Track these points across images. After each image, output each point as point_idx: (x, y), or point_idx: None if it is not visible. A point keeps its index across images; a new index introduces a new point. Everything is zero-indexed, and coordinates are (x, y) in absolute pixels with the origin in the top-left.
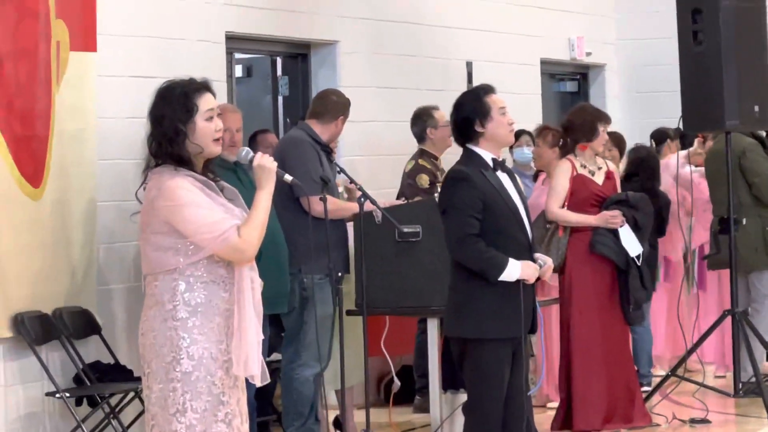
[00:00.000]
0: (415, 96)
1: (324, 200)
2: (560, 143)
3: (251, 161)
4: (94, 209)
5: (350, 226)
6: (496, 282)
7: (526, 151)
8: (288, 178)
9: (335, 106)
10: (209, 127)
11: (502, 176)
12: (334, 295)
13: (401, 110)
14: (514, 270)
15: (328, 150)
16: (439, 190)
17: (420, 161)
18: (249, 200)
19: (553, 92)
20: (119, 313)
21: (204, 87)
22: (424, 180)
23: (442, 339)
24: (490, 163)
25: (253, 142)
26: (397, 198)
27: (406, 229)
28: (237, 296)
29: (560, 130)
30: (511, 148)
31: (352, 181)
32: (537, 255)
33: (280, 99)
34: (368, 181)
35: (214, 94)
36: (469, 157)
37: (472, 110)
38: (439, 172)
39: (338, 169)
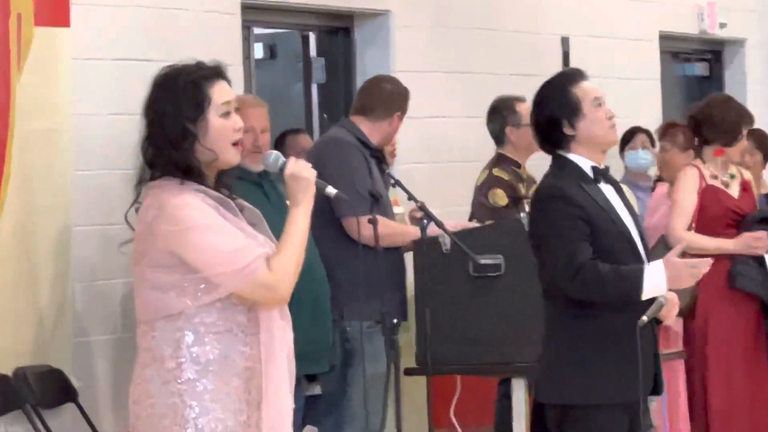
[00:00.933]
0: (494, 83)
1: (374, 222)
2: (695, 144)
3: (282, 169)
4: (67, 236)
5: (409, 258)
6: (618, 317)
7: (642, 155)
8: (331, 191)
9: (389, 99)
10: (226, 126)
11: (607, 189)
12: (387, 348)
13: (475, 102)
14: (656, 275)
15: (378, 156)
16: (525, 208)
17: (495, 171)
18: (279, 223)
19: (677, 77)
20: (102, 374)
21: (217, 73)
22: (499, 196)
23: (532, 405)
24: (590, 173)
25: (280, 145)
26: (470, 219)
27: (483, 261)
28: (266, 347)
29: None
30: (622, 151)
31: (410, 197)
32: None
33: (315, 88)
34: (432, 197)
35: (229, 83)
36: (562, 167)
37: (556, 107)
38: (522, 185)
39: (392, 180)
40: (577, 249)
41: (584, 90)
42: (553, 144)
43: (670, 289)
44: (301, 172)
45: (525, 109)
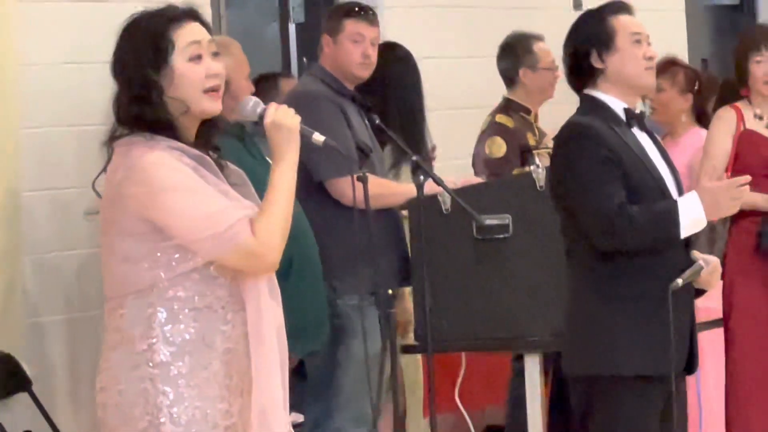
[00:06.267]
0: (497, 18)
1: (363, 180)
2: (696, 87)
3: (262, 117)
4: (15, 203)
5: (405, 220)
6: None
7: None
8: (319, 138)
9: (327, 19)
10: (195, 71)
11: (641, 136)
12: (382, 323)
13: (477, 40)
14: (692, 206)
15: (363, 101)
16: (536, 160)
17: (498, 118)
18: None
19: (704, 7)
20: (58, 359)
21: (186, 15)
22: (497, 145)
23: (550, 383)
24: (622, 116)
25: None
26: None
27: (488, 221)
28: (253, 325)
29: (692, 67)
30: None
31: (403, 150)
32: (695, 254)
33: (292, 28)
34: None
35: (206, 25)
36: (591, 106)
37: (588, 36)
38: (531, 134)
39: (379, 129)
40: (611, 193)
41: (623, 23)
42: (581, 79)
43: (710, 220)
44: (283, 119)
45: (542, 50)
